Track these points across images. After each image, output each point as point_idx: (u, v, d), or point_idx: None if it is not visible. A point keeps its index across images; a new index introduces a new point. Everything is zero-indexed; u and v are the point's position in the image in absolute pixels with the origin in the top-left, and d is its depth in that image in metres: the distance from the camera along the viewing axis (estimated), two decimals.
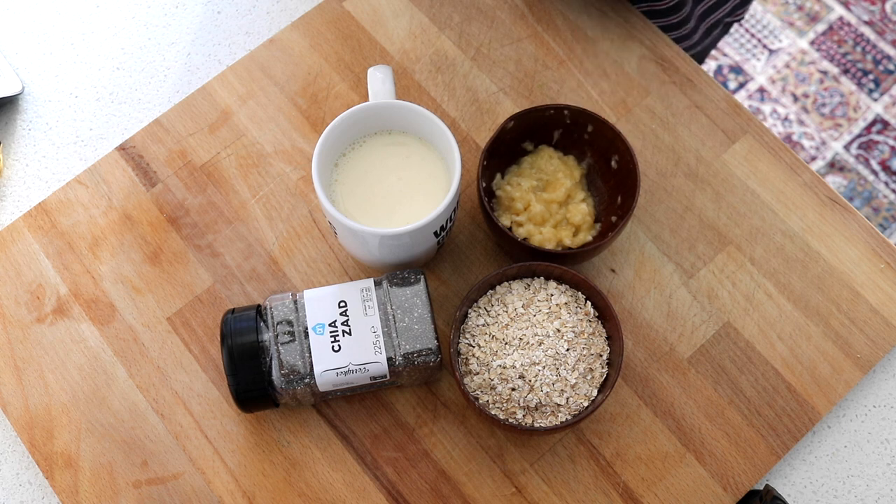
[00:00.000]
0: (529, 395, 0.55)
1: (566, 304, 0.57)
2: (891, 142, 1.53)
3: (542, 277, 0.59)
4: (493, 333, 0.57)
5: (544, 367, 0.55)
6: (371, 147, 0.60)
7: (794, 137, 1.54)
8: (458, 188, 0.56)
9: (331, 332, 0.55)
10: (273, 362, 0.55)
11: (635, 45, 0.71)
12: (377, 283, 0.57)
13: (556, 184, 0.62)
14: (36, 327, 0.64)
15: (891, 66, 1.59)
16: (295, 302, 0.56)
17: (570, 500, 0.59)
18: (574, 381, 0.55)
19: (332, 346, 0.55)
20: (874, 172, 1.51)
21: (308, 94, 0.70)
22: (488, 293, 0.59)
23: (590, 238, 0.62)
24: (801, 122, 1.55)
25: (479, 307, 0.58)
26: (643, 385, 0.61)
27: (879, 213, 1.49)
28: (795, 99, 1.57)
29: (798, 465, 0.61)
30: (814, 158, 1.53)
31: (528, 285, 0.58)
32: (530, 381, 0.55)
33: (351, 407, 0.61)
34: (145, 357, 0.63)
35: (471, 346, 0.57)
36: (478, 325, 0.57)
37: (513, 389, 0.55)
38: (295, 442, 0.60)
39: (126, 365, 0.63)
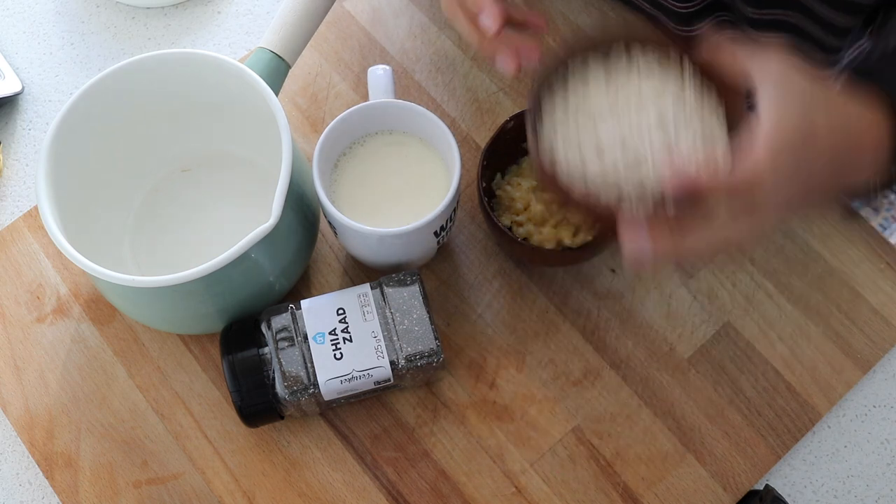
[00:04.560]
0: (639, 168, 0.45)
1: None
2: None
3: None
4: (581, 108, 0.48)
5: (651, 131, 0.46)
6: (371, 147, 0.60)
7: None
8: (458, 188, 0.56)
9: (331, 340, 0.55)
10: (276, 374, 0.55)
11: None
12: (373, 288, 0.57)
13: None
14: (36, 327, 0.64)
15: None
16: (293, 313, 0.56)
17: (570, 500, 0.59)
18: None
19: (334, 354, 0.55)
20: None
21: (308, 94, 0.70)
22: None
23: (590, 238, 0.62)
24: None
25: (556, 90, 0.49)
26: (643, 385, 0.61)
27: (879, 213, 1.49)
28: None
29: (798, 465, 0.61)
30: None
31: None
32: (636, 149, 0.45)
33: (351, 407, 0.61)
34: (145, 357, 0.63)
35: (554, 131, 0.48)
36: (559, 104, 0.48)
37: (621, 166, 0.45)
38: (295, 442, 0.60)
39: (126, 365, 0.63)
